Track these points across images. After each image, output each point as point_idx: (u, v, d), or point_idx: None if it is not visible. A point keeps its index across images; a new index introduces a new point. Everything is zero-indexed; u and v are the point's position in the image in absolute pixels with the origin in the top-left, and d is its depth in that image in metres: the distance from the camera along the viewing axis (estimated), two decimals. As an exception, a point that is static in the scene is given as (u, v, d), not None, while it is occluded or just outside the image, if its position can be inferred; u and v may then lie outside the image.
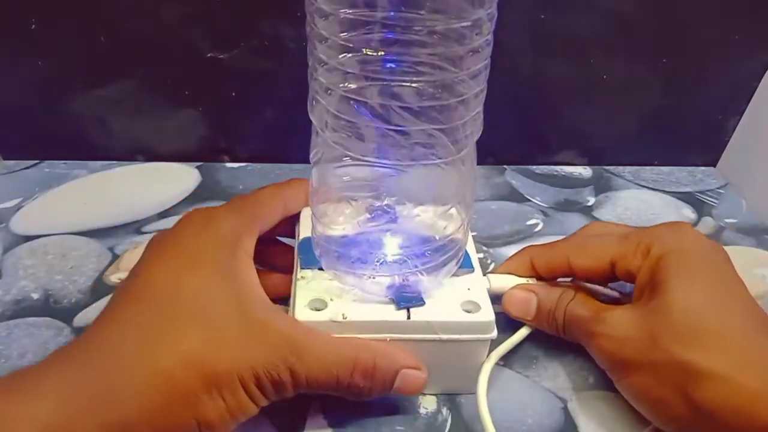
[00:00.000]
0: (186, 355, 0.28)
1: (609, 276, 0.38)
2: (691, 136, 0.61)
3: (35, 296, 0.42)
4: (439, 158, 0.31)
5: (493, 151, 0.59)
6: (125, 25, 0.50)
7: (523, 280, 0.39)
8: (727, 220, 0.55)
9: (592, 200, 0.56)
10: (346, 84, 0.29)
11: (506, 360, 0.39)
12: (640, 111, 0.58)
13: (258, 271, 0.33)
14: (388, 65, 0.28)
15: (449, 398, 0.37)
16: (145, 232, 0.49)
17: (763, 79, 0.56)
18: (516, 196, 0.56)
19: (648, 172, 0.61)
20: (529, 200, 0.56)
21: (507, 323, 0.39)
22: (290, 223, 0.39)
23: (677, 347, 0.31)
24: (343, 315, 0.33)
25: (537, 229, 0.52)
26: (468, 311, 0.34)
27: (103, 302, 0.42)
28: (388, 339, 0.33)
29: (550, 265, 0.39)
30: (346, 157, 0.31)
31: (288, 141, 0.57)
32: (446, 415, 0.36)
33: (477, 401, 0.34)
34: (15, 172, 0.55)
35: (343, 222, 0.36)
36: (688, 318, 0.32)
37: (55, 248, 0.47)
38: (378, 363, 0.32)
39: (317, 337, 0.31)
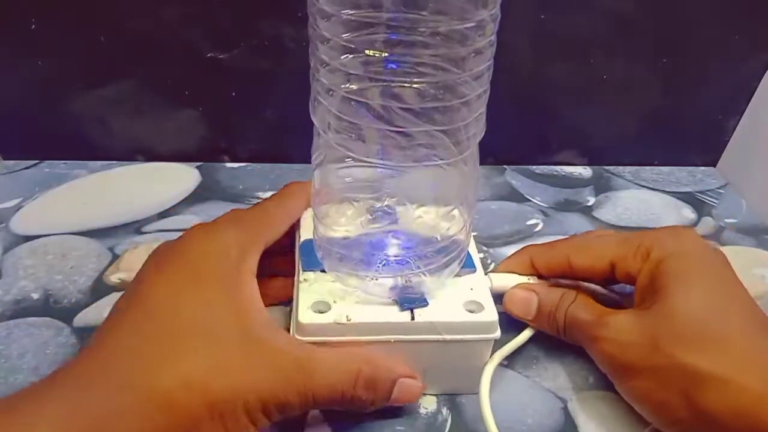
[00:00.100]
0: (188, 377, 0.27)
1: (608, 277, 0.38)
2: (691, 136, 0.61)
3: (35, 296, 0.42)
4: (442, 159, 0.31)
5: (493, 151, 0.59)
6: (125, 25, 0.50)
7: (524, 279, 0.40)
8: (727, 220, 0.55)
9: (592, 200, 0.56)
10: (348, 85, 0.29)
11: (507, 360, 0.39)
12: (640, 111, 0.58)
13: (258, 279, 0.33)
14: (391, 66, 0.28)
15: (449, 398, 0.37)
16: (145, 232, 0.49)
17: (763, 79, 0.56)
18: (516, 196, 0.56)
19: (648, 172, 0.61)
20: (529, 200, 0.56)
21: (510, 323, 0.39)
22: (291, 232, 0.39)
23: (679, 351, 0.31)
24: (347, 317, 0.33)
25: (537, 229, 0.52)
26: (471, 311, 0.34)
27: (103, 302, 0.42)
28: (392, 340, 0.33)
29: (550, 264, 0.39)
30: (348, 158, 0.31)
31: (288, 141, 0.57)
32: (446, 416, 0.36)
33: (480, 402, 0.34)
34: (15, 172, 0.55)
35: (345, 223, 0.36)
36: (689, 322, 0.32)
37: (55, 248, 0.47)
38: (378, 373, 0.32)
39: (320, 354, 0.31)
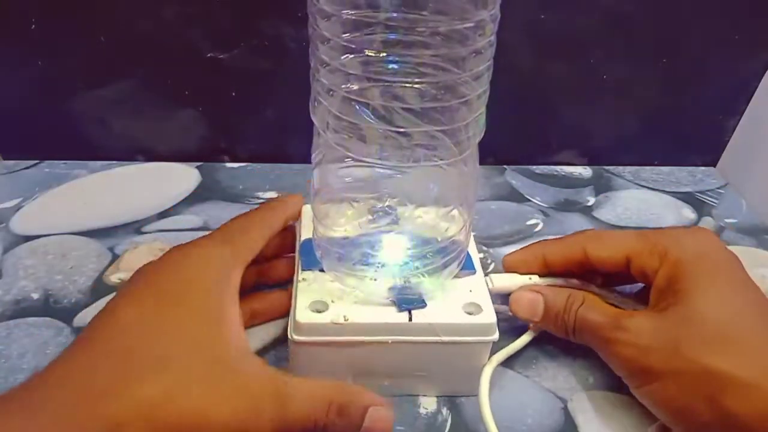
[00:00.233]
0: (139, 404, 0.25)
1: (622, 271, 0.38)
2: (691, 136, 0.61)
3: (35, 296, 0.42)
4: (441, 160, 0.31)
5: (493, 151, 0.59)
6: (125, 25, 0.50)
7: (525, 278, 0.39)
8: (727, 220, 0.55)
9: (592, 200, 0.56)
10: (348, 85, 0.29)
11: (506, 360, 0.39)
12: (640, 111, 0.58)
13: (253, 295, 0.33)
14: (391, 66, 0.28)
15: (449, 399, 0.37)
16: (145, 232, 0.49)
17: (763, 79, 0.56)
18: (516, 196, 0.56)
19: (648, 172, 0.61)
20: (529, 200, 0.56)
21: (509, 326, 0.39)
22: (281, 238, 0.39)
23: (703, 354, 0.31)
24: (344, 317, 0.33)
25: (537, 229, 0.52)
26: (469, 313, 0.34)
27: (102, 302, 0.42)
28: (389, 342, 0.33)
29: (566, 255, 0.39)
30: (348, 158, 0.31)
31: (288, 141, 0.57)
32: (446, 416, 0.36)
33: (480, 405, 0.34)
34: (15, 172, 0.55)
35: (344, 223, 0.36)
36: (712, 325, 0.32)
37: (55, 248, 0.47)
38: (349, 399, 0.31)
39: (293, 382, 0.30)
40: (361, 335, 0.33)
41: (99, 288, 0.43)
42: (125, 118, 0.55)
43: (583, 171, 0.61)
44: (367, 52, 0.28)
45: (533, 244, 0.41)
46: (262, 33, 0.51)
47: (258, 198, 0.54)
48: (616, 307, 0.37)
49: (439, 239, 0.35)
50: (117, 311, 0.29)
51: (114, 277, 0.44)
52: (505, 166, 0.60)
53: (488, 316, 0.34)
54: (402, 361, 0.35)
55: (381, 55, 0.27)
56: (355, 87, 0.28)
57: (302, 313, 0.33)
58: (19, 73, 0.52)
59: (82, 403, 0.25)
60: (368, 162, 0.31)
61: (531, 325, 0.39)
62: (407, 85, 0.28)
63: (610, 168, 0.61)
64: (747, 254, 0.51)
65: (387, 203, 0.36)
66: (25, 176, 0.55)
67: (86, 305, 0.42)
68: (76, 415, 0.25)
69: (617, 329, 0.34)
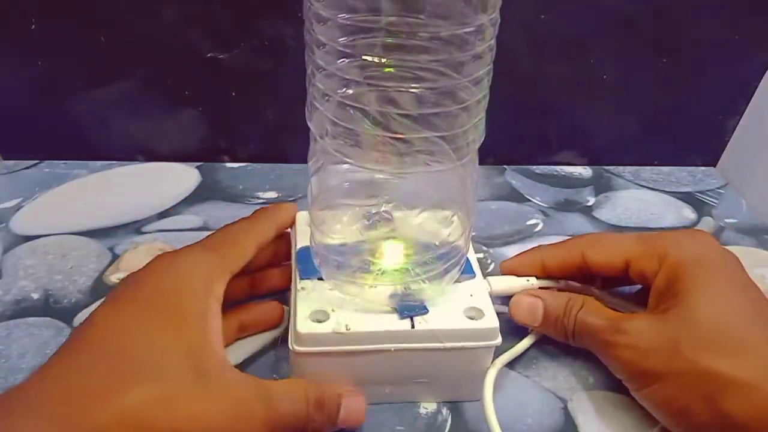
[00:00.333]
0: (123, 411, 0.25)
1: (621, 275, 0.38)
2: (691, 136, 0.61)
3: (35, 296, 0.42)
4: (440, 165, 0.30)
5: (493, 151, 0.59)
6: (125, 25, 0.50)
7: (523, 281, 0.39)
8: (727, 220, 0.55)
9: (592, 200, 0.56)
10: (344, 90, 0.28)
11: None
12: (640, 111, 0.58)
13: (242, 307, 0.32)
14: (388, 71, 0.27)
15: (450, 399, 0.37)
16: (145, 232, 0.49)
17: (763, 79, 0.56)
18: (516, 196, 0.56)
19: (648, 172, 0.61)
20: (529, 200, 0.56)
21: (509, 327, 0.39)
22: (274, 246, 0.39)
23: (702, 356, 0.31)
24: (346, 326, 0.32)
25: (537, 229, 0.52)
26: (472, 318, 0.34)
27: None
28: (392, 349, 0.33)
29: (565, 260, 0.39)
30: (345, 164, 0.31)
31: (288, 141, 0.57)
32: (446, 416, 0.36)
33: (484, 409, 0.34)
34: (15, 172, 0.55)
35: (342, 230, 0.35)
36: (711, 326, 0.32)
37: (55, 248, 0.47)
38: (322, 393, 0.31)
39: (273, 385, 0.30)
40: (364, 344, 0.33)
41: (99, 288, 0.43)
42: (125, 118, 0.55)
43: (583, 171, 0.61)
44: (364, 57, 0.27)
45: (531, 249, 0.41)
46: (262, 33, 0.50)
47: (258, 198, 0.54)
48: (616, 310, 0.37)
49: (439, 244, 0.34)
50: (98, 321, 0.29)
51: (114, 277, 0.44)
52: (505, 166, 0.60)
53: (491, 320, 0.34)
54: (405, 369, 0.34)
55: (378, 60, 0.27)
56: (352, 92, 0.28)
57: (303, 323, 0.32)
58: (19, 73, 0.51)
59: (71, 408, 0.25)
60: (366, 168, 0.30)
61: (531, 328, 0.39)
62: (405, 90, 0.28)
63: (610, 168, 0.61)
64: (747, 254, 0.51)
65: (386, 209, 0.35)
66: (25, 176, 0.55)
67: (86, 305, 0.42)
68: (65, 420, 0.25)
69: (617, 332, 0.34)
